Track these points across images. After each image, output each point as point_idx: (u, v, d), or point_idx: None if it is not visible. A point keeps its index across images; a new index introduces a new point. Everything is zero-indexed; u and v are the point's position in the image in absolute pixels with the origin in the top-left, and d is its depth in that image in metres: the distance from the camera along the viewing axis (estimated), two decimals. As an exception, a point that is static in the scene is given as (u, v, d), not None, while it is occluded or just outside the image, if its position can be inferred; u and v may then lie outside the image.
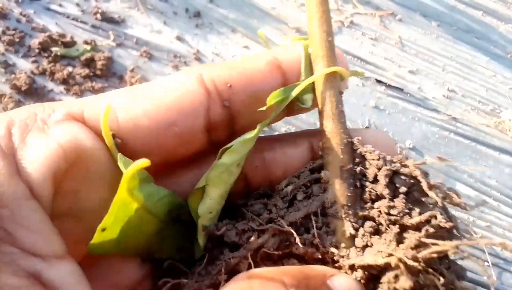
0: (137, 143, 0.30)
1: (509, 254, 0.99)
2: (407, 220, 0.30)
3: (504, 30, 1.29)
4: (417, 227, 0.30)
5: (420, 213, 0.30)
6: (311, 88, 0.35)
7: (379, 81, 1.13)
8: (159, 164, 0.32)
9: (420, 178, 0.31)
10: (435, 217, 0.30)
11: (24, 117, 0.27)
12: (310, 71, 0.35)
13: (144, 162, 0.26)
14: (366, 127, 1.07)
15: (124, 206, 0.28)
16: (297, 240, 0.32)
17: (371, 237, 0.32)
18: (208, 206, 0.33)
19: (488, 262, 0.97)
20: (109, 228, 0.27)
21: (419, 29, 1.23)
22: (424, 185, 0.30)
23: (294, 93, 0.34)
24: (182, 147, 0.31)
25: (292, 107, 0.36)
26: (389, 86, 1.13)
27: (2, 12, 1.04)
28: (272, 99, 0.33)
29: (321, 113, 0.35)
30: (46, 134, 0.27)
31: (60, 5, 1.08)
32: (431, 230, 0.29)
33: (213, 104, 0.32)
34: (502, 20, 1.30)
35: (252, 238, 0.33)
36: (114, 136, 0.30)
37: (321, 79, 0.34)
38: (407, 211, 0.30)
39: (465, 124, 1.13)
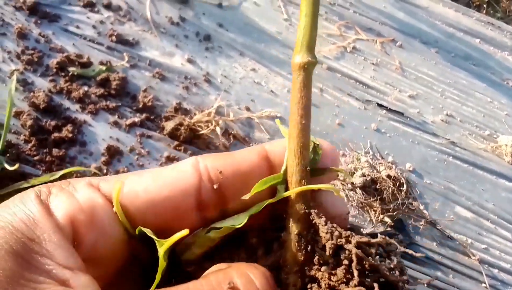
0: (135, 212, 0.38)
1: (507, 276, 1.02)
2: (343, 288, 0.36)
3: (500, 57, 1.34)
4: None
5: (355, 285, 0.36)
6: (283, 178, 0.40)
7: (380, 105, 1.18)
8: (159, 233, 0.40)
9: (357, 257, 0.36)
10: None
11: (54, 185, 0.38)
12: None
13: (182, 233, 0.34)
14: (366, 151, 1.11)
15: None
16: None
17: None
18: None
19: (485, 284, 0.99)
20: None
21: (418, 55, 1.28)
22: (354, 266, 0.36)
23: (264, 203, 0.39)
24: (176, 222, 0.38)
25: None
26: (390, 110, 1.18)
27: (22, 32, 1.10)
28: (255, 189, 0.38)
29: (287, 184, 0.41)
30: (69, 193, 0.37)
31: (78, 27, 1.13)
32: None
33: (204, 186, 0.38)
34: (499, 47, 1.36)
35: None
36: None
37: (292, 155, 0.39)
38: (344, 280, 0.36)
39: (463, 148, 1.17)
